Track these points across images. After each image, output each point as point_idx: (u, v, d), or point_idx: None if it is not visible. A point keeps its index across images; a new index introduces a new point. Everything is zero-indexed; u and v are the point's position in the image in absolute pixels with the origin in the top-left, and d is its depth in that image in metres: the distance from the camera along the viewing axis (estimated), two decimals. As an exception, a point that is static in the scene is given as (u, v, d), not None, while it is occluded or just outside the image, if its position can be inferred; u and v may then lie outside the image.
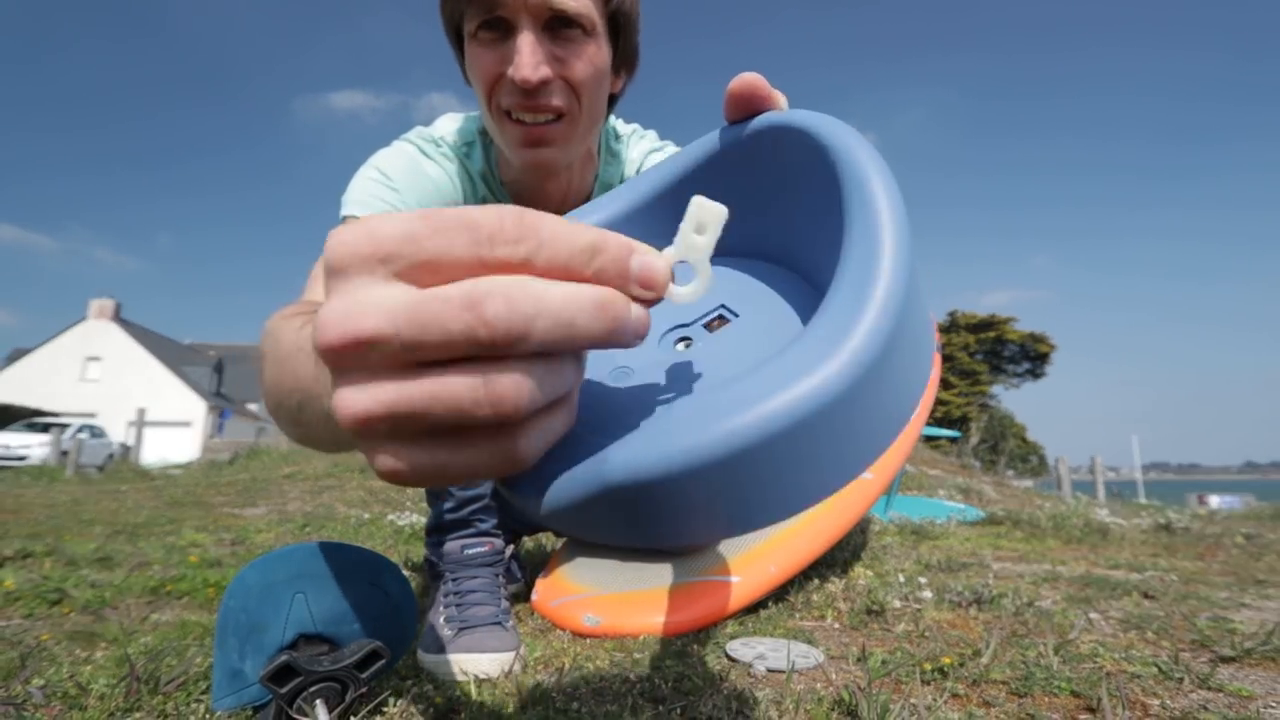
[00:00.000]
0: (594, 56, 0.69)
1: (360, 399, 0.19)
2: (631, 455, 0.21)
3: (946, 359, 26.76)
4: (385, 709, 0.61)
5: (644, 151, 0.91)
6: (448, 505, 0.86)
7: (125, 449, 13.01)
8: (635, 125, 0.95)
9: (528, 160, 0.71)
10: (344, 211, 0.75)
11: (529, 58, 0.65)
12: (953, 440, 8.52)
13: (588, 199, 0.86)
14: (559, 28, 0.66)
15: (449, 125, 0.84)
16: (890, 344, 0.22)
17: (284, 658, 0.53)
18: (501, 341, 0.18)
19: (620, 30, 0.72)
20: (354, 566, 0.63)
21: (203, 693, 0.64)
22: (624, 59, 0.75)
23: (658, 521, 0.23)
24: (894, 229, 0.24)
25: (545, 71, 0.66)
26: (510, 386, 0.19)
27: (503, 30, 0.67)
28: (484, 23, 0.66)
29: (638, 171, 0.89)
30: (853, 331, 0.21)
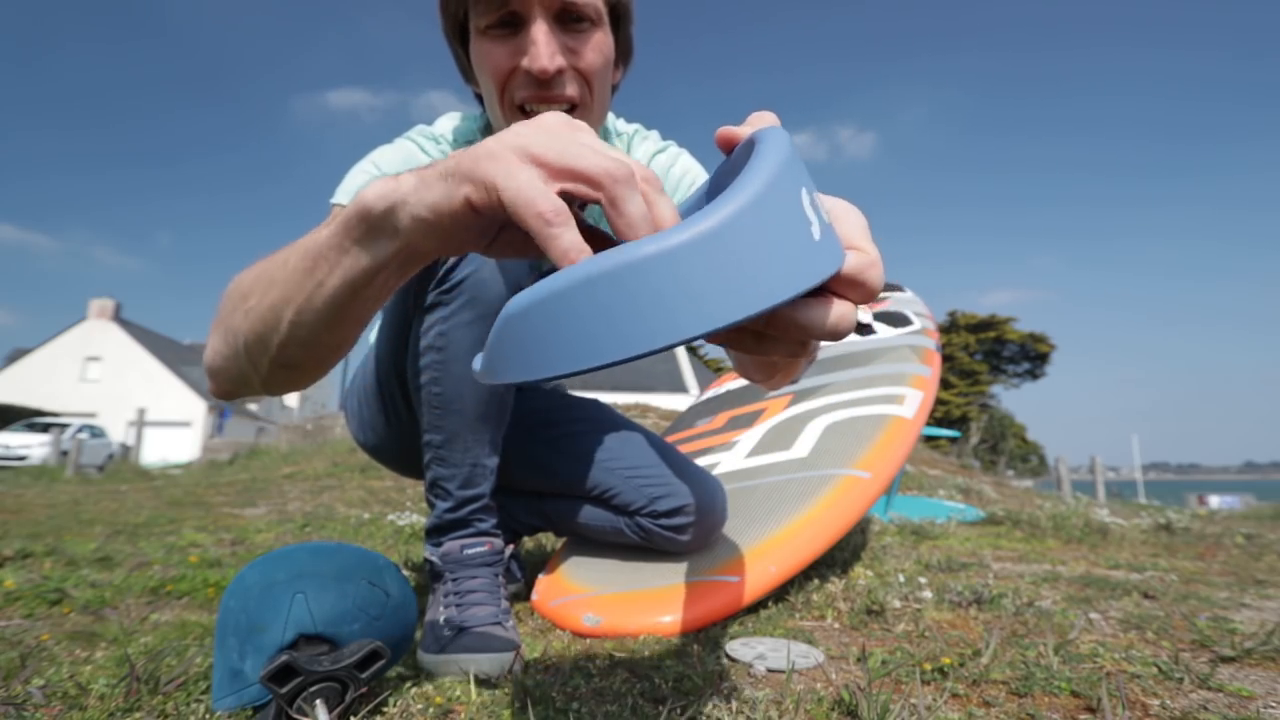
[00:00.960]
0: (602, 45, 0.70)
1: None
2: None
3: (946, 359, 26.75)
4: (385, 709, 0.61)
5: (648, 153, 0.92)
6: (447, 505, 0.85)
7: (125, 449, 13.01)
8: (637, 125, 0.95)
9: None
10: (333, 199, 0.77)
11: (545, 48, 0.66)
12: (952, 440, 8.52)
13: None
14: (568, 19, 0.68)
15: (450, 123, 0.85)
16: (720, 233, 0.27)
17: (284, 658, 0.53)
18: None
19: (620, 20, 0.73)
20: (354, 566, 0.63)
21: (203, 693, 0.64)
22: (622, 50, 0.77)
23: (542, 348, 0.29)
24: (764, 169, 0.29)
25: (561, 61, 0.67)
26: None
27: (514, 24, 0.67)
28: (498, 18, 0.67)
29: None
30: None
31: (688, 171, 0.92)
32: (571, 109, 0.70)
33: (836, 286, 0.30)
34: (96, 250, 79.96)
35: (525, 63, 0.67)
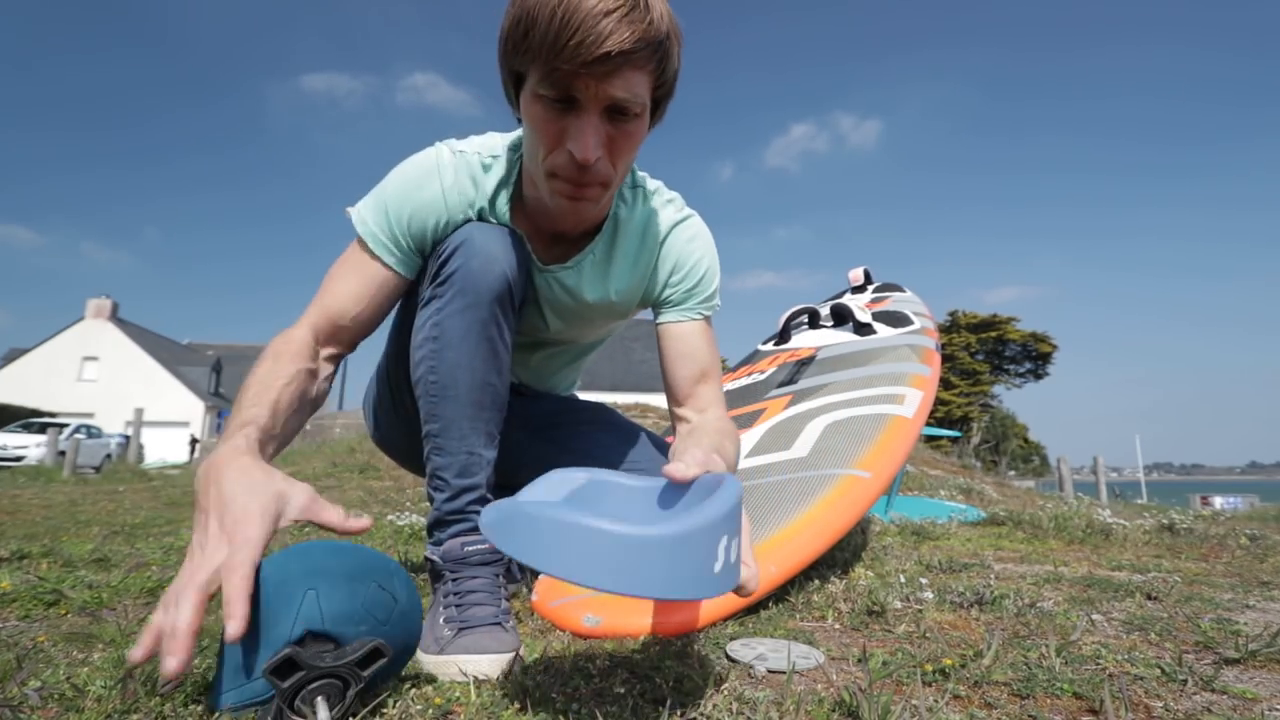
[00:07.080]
0: (638, 135, 0.79)
1: None
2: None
3: (947, 359, 26.72)
4: (385, 709, 0.60)
5: (668, 222, 0.97)
6: (444, 496, 0.86)
7: (125, 439, 13.01)
8: (659, 184, 1.00)
9: (566, 210, 0.83)
10: (355, 219, 0.87)
11: (591, 139, 0.74)
12: (953, 440, 8.51)
13: (599, 226, 0.94)
14: (615, 112, 0.75)
15: (485, 140, 0.92)
16: None
17: (288, 651, 0.53)
18: None
19: (661, 103, 0.81)
20: (366, 568, 0.62)
21: (201, 694, 0.63)
22: (656, 119, 0.84)
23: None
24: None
25: (600, 152, 0.76)
26: None
27: (568, 103, 0.74)
28: (555, 95, 0.73)
29: (658, 240, 0.96)
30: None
31: (700, 259, 0.98)
32: (596, 186, 0.79)
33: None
34: (83, 245, 78.98)
35: (570, 147, 0.75)
